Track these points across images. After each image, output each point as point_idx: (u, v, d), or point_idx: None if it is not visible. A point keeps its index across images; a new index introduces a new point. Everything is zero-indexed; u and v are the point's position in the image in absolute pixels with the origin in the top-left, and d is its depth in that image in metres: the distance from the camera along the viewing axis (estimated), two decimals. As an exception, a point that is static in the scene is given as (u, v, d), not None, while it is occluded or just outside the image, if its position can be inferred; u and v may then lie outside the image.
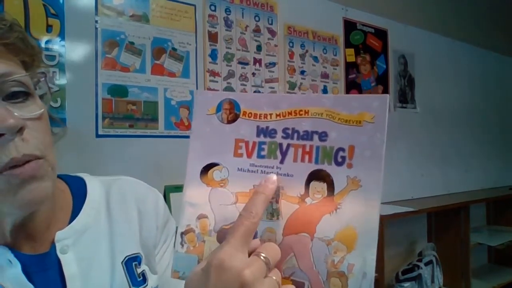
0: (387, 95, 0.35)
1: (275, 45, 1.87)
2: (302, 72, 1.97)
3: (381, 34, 2.35)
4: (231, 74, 1.71)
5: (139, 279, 0.55)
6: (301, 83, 1.96)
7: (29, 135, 0.42)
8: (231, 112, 0.38)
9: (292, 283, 0.34)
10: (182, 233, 0.38)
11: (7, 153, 0.40)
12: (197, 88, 1.60)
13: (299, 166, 0.36)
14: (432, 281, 2.17)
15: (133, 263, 0.55)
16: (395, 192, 2.23)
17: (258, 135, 0.37)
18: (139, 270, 0.55)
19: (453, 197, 2.54)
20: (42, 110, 0.45)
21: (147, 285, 0.55)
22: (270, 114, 0.37)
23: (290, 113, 0.37)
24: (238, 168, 0.37)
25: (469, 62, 2.95)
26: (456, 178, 2.76)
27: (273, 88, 1.84)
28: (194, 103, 0.39)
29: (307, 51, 2.00)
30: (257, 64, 1.80)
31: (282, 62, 1.90)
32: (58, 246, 0.49)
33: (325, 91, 2.06)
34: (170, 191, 1.37)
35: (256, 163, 0.37)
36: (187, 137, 1.55)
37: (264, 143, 0.37)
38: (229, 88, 1.70)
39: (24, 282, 0.45)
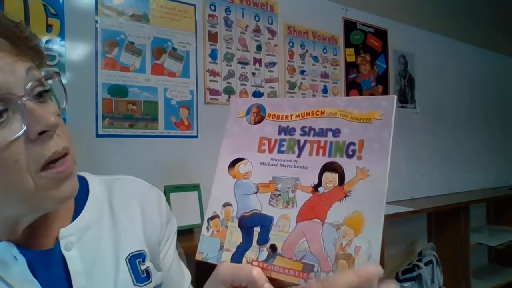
0: (395, 95, 0.38)
1: (275, 45, 1.87)
2: (302, 72, 1.97)
3: (381, 34, 2.36)
4: (231, 74, 1.71)
5: (143, 276, 0.55)
6: (301, 83, 1.97)
7: (59, 130, 0.45)
8: (258, 115, 0.43)
9: (303, 265, 0.37)
10: (209, 219, 0.41)
11: (50, 148, 0.43)
12: (197, 88, 1.60)
13: (314, 159, 0.39)
14: (432, 281, 2.17)
15: (137, 260, 0.56)
16: (395, 192, 2.23)
17: (279, 133, 0.42)
18: (143, 267, 0.56)
19: (453, 197, 2.55)
20: (62, 106, 0.49)
21: (151, 282, 0.56)
22: (291, 115, 0.42)
23: (308, 114, 0.41)
24: (261, 162, 0.42)
25: (469, 62, 2.95)
26: (456, 178, 2.76)
27: (273, 88, 1.85)
28: (229, 109, 0.44)
29: (307, 51, 2.00)
30: (257, 64, 1.80)
31: (282, 62, 1.90)
32: (62, 243, 0.50)
33: (325, 91, 2.06)
34: (170, 191, 1.38)
35: (276, 158, 0.41)
36: (187, 137, 1.56)
37: (284, 140, 0.41)
38: (229, 88, 1.70)
39: (29, 278, 0.46)
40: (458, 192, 2.74)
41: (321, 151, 0.39)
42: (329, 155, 0.39)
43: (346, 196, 0.37)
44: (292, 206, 0.39)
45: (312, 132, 0.40)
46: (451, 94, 2.79)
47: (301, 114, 0.41)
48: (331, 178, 0.38)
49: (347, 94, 2.16)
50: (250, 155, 0.42)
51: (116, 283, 0.52)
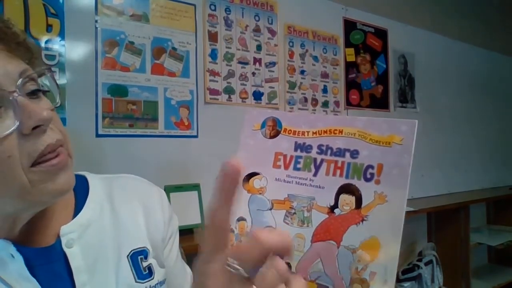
0: (416, 121, 0.37)
1: (275, 45, 1.87)
2: (302, 72, 1.97)
3: (381, 34, 2.35)
4: (231, 74, 1.71)
5: (145, 273, 0.55)
6: (301, 83, 1.96)
7: (53, 125, 0.46)
8: (274, 129, 0.43)
9: (317, 286, 0.37)
10: None
11: (42, 143, 0.44)
12: (197, 88, 1.60)
13: (330, 180, 0.39)
14: (432, 281, 2.17)
15: (139, 257, 0.56)
16: (395, 192, 2.22)
17: (295, 150, 0.41)
18: (145, 264, 0.56)
19: (453, 197, 2.55)
20: (56, 102, 0.49)
21: (153, 279, 0.56)
22: (308, 132, 0.41)
23: (325, 132, 0.41)
24: (276, 178, 0.41)
25: (469, 62, 2.95)
26: (456, 178, 2.76)
27: (273, 87, 1.84)
28: (244, 121, 0.44)
29: (307, 50, 2.00)
30: (257, 63, 1.80)
31: (282, 61, 1.90)
32: (63, 240, 0.50)
33: (325, 90, 2.06)
34: (170, 191, 1.38)
35: (291, 175, 0.41)
36: (187, 136, 1.56)
37: (300, 157, 0.41)
38: (229, 88, 1.70)
39: (26, 276, 0.46)
40: (458, 192, 2.74)
41: (338, 171, 0.39)
42: (347, 177, 0.38)
43: (363, 220, 0.36)
44: (308, 226, 0.38)
45: (329, 151, 0.40)
46: (451, 94, 2.79)
47: (318, 131, 0.41)
48: (348, 200, 0.38)
49: (347, 94, 2.16)
50: (265, 170, 0.42)
51: (118, 279, 0.52)
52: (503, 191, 2.89)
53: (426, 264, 2.17)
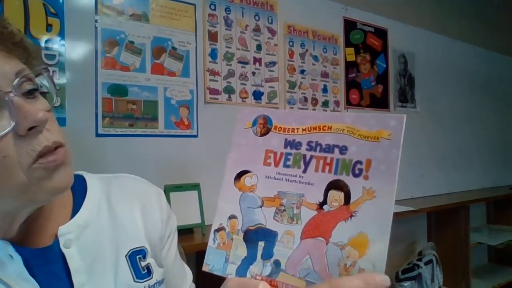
0: (404, 115, 0.37)
1: (275, 44, 1.87)
2: (302, 72, 1.97)
3: (381, 34, 2.35)
4: (231, 74, 1.71)
5: (143, 272, 0.56)
6: (301, 82, 1.96)
7: (49, 126, 0.45)
8: (264, 126, 0.43)
9: (306, 283, 0.37)
10: (215, 230, 0.42)
11: (39, 143, 0.43)
12: (197, 88, 1.60)
13: (319, 176, 0.39)
14: (432, 281, 2.17)
15: (137, 256, 0.56)
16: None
17: (285, 147, 0.42)
18: (143, 263, 0.56)
19: (453, 196, 2.54)
20: (52, 102, 0.49)
21: (152, 278, 0.56)
22: (297, 129, 0.42)
23: (314, 128, 0.41)
24: (266, 176, 0.41)
25: (469, 62, 2.95)
26: (456, 178, 2.76)
27: (273, 87, 1.84)
28: (237, 119, 0.44)
29: (307, 50, 1.99)
30: (257, 63, 1.80)
31: (282, 61, 1.89)
32: (61, 241, 0.50)
33: (325, 90, 2.06)
34: (170, 190, 1.37)
35: (281, 172, 0.41)
36: (187, 136, 1.56)
37: (290, 154, 0.41)
38: (229, 88, 1.70)
39: (25, 276, 0.46)
40: (458, 191, 2.74)
41: (327, 167, 0.39)
42: (335, 173, 0.38)
43: (351, 216, 0.37)
44: (297, 223, 0.39)
45: (318, 148, 0.40)
46: (451, 93, 2.79)
47: (308, 128, 0.41)
48: (336, 196, 0.38)
49: (347, 94, 2.16)
50: (256, 168, 0.42)
51: (116, 279, 0.52)
52: (503, 191, 2.89)
53: (426, 263, 2.17)
